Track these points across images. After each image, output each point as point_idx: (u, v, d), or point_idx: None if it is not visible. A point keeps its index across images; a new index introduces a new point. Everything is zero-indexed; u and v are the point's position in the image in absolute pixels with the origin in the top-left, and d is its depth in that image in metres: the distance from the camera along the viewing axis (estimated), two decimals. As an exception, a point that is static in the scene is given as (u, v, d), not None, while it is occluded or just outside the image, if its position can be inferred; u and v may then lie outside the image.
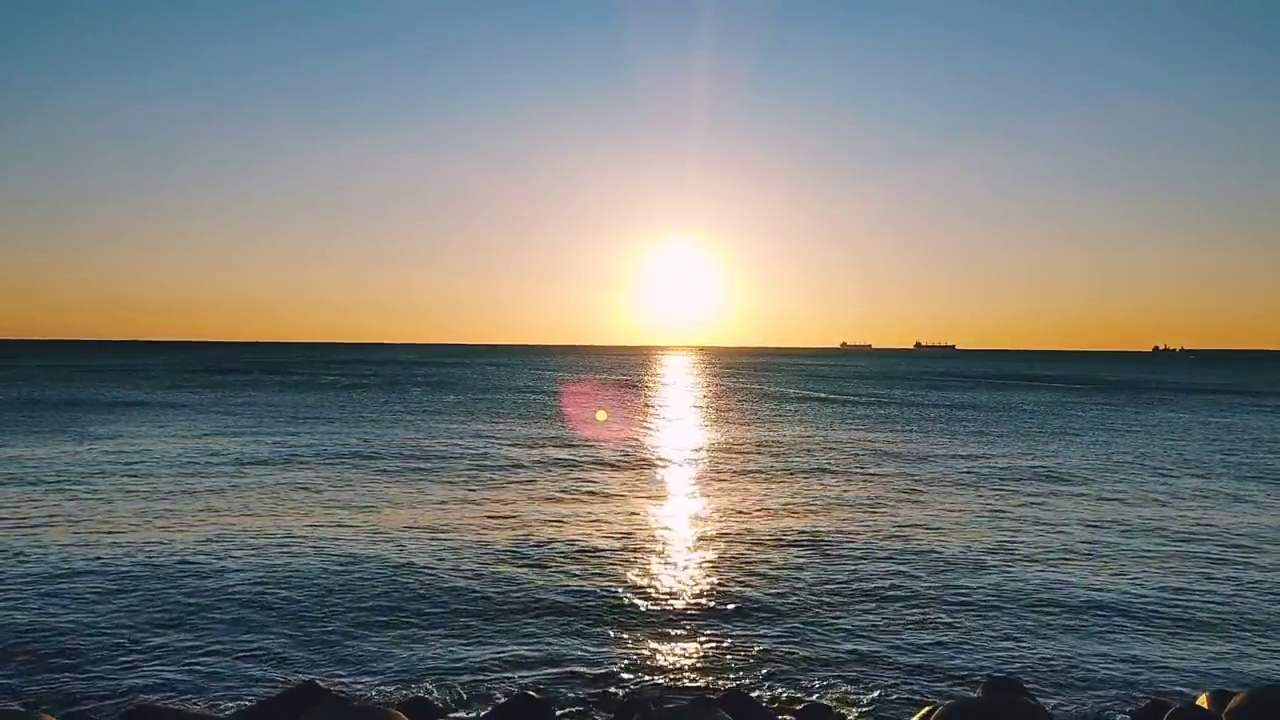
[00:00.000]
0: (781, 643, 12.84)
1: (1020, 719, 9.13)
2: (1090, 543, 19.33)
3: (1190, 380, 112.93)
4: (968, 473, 30.10)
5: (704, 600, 14.94)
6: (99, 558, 16.89)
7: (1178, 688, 11.32)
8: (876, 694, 11.06)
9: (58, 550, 17.41)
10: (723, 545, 18.85)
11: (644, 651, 12.48)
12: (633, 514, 22.27)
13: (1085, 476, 29.41)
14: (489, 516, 21.55)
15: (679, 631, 13.37)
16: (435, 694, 10.74)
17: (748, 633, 13.28)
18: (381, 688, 11.01)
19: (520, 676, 11.45)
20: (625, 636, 13.07)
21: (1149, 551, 18.59)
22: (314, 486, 25.59)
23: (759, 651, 12.49)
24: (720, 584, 15.87)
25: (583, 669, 11.79)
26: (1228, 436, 43.08)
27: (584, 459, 32.62)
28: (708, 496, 25.36)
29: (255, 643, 12.49)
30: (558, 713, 10.07)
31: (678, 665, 12.02)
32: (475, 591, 15.14)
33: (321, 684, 10.15)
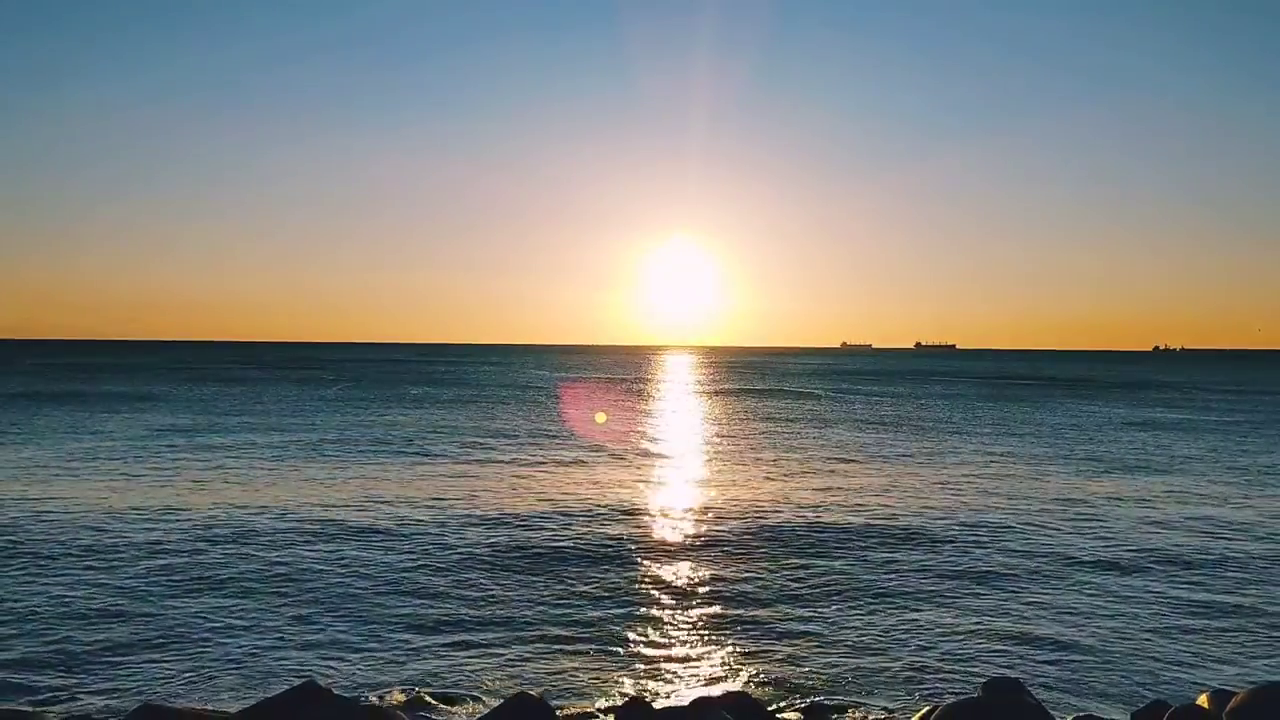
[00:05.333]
0: (782, 643, 12.84)
1: (1020, 719, 9.13)
2: (1090, 542, 19.32)
3: (1202, 380, 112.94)
4: (967, 474, 30.09)
5: (704, 600, 14.94)
6: (99, 558, 16.89)
7: (1178, 687, 11.32)
8: (877, 694, 11.07)
9: (58, 550, 17.41)
10: (723, 546, 18.85)
11: (645, 651, 12.48)
12: (633, 515, 22.26)
13: (1085, 477, 29.42)
14: (488, 517, 21.55)
15: (680, 632, 13.38)
16: (435, 694, 10.75)
17: (749, 633, 13.28)
18: (382, 687, 11.02)
19: (520, 676, 11.45)
20: (626, 637, 13.07)
21: (1148, 550, 18.58)
22: (312, 486, 25.60)
23: (760, 652, 12.49)
24: (721, 584, 15.87)
25: (583, 669, 11.79)
26: (1227, 436, 43.07)
27: (583, 461, 32.64)
28: (708, 497, 25.36)
29: (255, 643, 12.49)
30: (558, 713, 10.06)
31: (679, 665, 12.02)
32: (475, 592, 15.14)
33: (321, 684, 10.14)
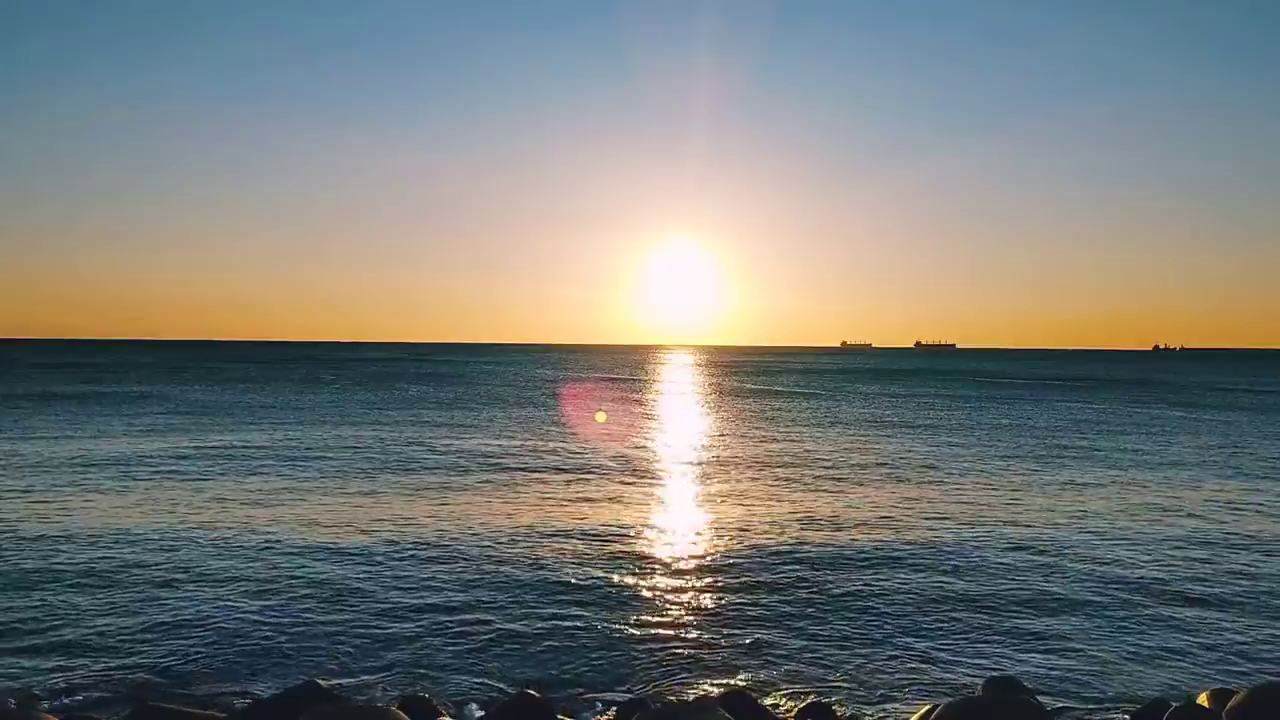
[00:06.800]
0: (782, 642, 12.83)
1: (1020, 718, 9.13)
2: (1089, 541, 19.32)
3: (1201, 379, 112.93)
4: (966, 474, 30.10)
5: (704, 600, 14.93)
6: (97, 556, 16.88)
7: (1178, 686, 11.32)
8: (876, 693, 11.06)
9: (55, 549, 17.41)
10: (723, 546, 18.85)
11: (645, 651, 12.47)
12: (633, 516, 22.27)
13: (1083, 475, 29.41)
14: (488, 517, 21.56)
15: (680, 631, 13.36)
16: (435, 694, 10.74)
17: (748, 632, 13.27)
18: (381, 688, 11.01)
19: (520, 676, 11.45)
20: (626, 636, 13.06)
21: (1148, 549, 18.58)
22: (312, 485, 25.59)
23: (759, 651, 12.48)
24: (720, 584, 15.86)
25: (583, 669, 11.79)
26: (1226, 434, 43.06)
27: (583, 461, 32.63)
28: (707, 498, 25.36)
29: (255, 643, 12.48)
30: (558, 712, 10.06)
31: (678, 665, 12.01)
32: (475, 591, 15.13)
33: (321, 684, 10.14)
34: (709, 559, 17.64)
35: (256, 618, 13.54)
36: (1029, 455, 34.64)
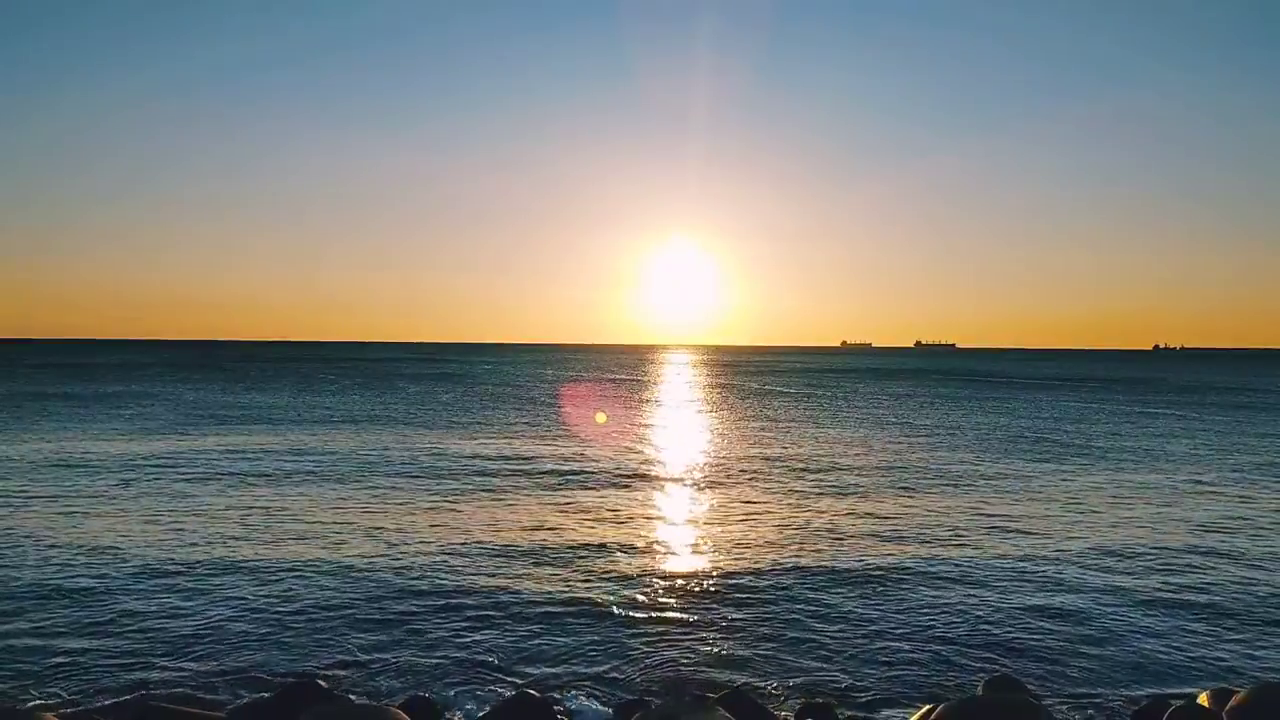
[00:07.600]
0: (782, 642, 12.83)
1: (1020, 717, 9.13)
2: (1088, 541, 19.32)
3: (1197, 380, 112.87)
4: (965, 474, 30.09)
5: (704, 600, 14.93)
6: (98, 559, 16.89)
7: (1178, 686, 11.32)
8: (876, 693, 11.06)
9: (56, 551, 17.41)
10: (723, 548, 18.85)
11: (644, 651, 12.47)
12: (633, 516, 22.27)
13: (1083, 475, 29.40)
14: (488, 518, 21.56)
15: (679, 631, 13.36)
16: (435, 694, 10.74)
17: (748, 633, 13.27)
18: (381, 687, 11.01)
19: (520, 676, 11.45)
20: (626, 636, 13.06)
21: (1147, 549, 18.58)
22: (312, 486, 25.59)
23: (759, 651, 12.49)
24: (720, 584, 15.86)
25: (583, 669, 11.78)
26: (1225, 434, 43.04)
27: (583, 462, 32.63)
28: (707, 500, 25.36)
29: (255, 642, 12.48)
30: (558, 712, 10.07)
31: (678, 665, 12.01)
32: (474, 592, 15.14)
33: (321, 684, 10.14)
34: (709, 560, 17.64)
35: (257, 618, 13.54)
36: (1028, 456, 34.64)
